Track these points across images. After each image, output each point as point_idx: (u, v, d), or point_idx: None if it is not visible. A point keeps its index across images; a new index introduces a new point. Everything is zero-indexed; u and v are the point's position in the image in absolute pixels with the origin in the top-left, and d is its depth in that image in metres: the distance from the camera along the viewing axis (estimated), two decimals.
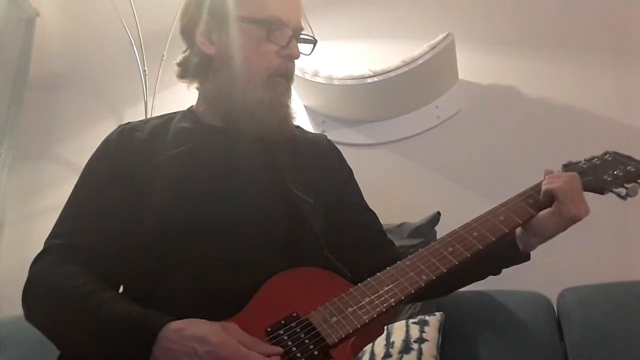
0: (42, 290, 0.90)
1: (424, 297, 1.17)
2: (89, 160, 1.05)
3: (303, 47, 1.08)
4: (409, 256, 0.93)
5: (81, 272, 0.90)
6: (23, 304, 0.91)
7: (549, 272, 1.79)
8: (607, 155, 1.10)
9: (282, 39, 1.03)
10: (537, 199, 1.00)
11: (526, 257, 1.03)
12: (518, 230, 1.00)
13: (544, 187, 0.99)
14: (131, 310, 0.83)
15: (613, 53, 2.02)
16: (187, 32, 1.08)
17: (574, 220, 0.96)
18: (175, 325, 0.79)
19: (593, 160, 1.09)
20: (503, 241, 0.97)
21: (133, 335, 0.79)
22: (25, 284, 0.92)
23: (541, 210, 0.98)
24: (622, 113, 1.95)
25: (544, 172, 1.04)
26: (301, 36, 1.08)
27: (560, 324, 1.56)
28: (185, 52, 1.11)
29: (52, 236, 0.97)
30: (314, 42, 1.11)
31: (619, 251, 1.83)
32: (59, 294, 0.87)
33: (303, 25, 1.08)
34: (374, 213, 1.17)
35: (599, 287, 1.59)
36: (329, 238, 1.05)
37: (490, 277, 1.08)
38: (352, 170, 1.19)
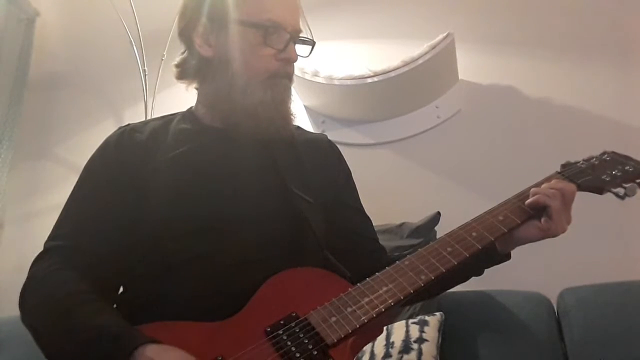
0: (35, 296, 0.90)
1: (414, 299, 1.16)
2: (88, 162, 1.05)
3: (301, 49, 1.08)
4: (407, 256, 0.92)
5: (76, 280, 0.89)
6: (20, 306, 0.91)
7: (549, 272, 1.80)
8: (606, 155, 1.09)
9: (280, 43, 1.03)
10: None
11: (506, 257, 1.04)
12: None
13: (538, 198, 0.97)
14: (112, 326, 0.82)
15: (613, 53, 2.02)
16: (185, 34, 1.08)
17: (554, 236, 0.97)
18: (151, 347, 0.78)
19: (591, 160, 1.08)
20: None
21: (108, 353, 0.78)
22: (23, 286, 0.92)
23: (538, 211, 0.98)
24: (622, 113, 1.95)
25: (542, 180, 1.03)
26: (299, 38, 1.08)
27: (560, 324, 1.56)
28: (183, 53, 1.11)
29: (51, 238, 0.97)
30: (312, 43, 1.11)
31: (619, 251, 1.83)
32: (49, 303, 0.87)
33: (301, 27, 1.07)
34: (368, 218, 1.17)
35: (599, 287, 1.59)
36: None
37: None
38: (350, 172, 1.19)
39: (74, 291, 0.87)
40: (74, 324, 0.83)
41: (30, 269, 0.94)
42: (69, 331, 0.83)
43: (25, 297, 0.91)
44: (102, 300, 0.88)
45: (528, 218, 0.98)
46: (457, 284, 1.08)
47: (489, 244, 0.94)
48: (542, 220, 0.97)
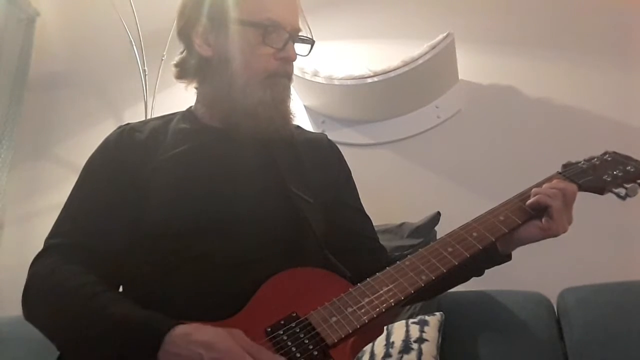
0: (43, 290, 0.90)
1: (415, 300, 1.16)
2: (88, 161, 1.05)
3: (300, 48, 1.08)
4: (408, 256, 0.92)
5: (83, 272, 0.90)
6: (23, 304, 0.91)
7: (549, 272, 1.80)
8: (607, 156, 1.09)
9: (278, 42, 1.03)
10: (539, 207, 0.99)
11: (507, 258, 1.03)
12: None
13: (539, 198, 0.97)
14: (137, 312, 0.82)
15: (613, 53, 2.02)
16: (184, 33, 1.08)
17: (555, 236, 0.97)
18: (181, 329, 0.78)
19: (593, 161, 1.08)
20: None
21: (139, 338, 0.79)
22: (26, 284, 0.92)
23: (539, 211, 0.98)
24: (622, 113, 1.95)
25: (543, 181, 1.02)
26: (299, 37, 1.08)
27: (560, 324, 1.56)
28: (182, 52, 1.11)
29: (51, 236, 0.97)
30: (311, 42, 1.11)
31: (619, 251, 1.83)
32: (62, 295, 0.87)
33: (301, 26, 1.07)
34: (368, 218, 1.17)
35: (599, 287, 1.59)
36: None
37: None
38: (350, 172, 1.19)
39: (85, 282, 0.87)
40: (95, 314, 0.83)
41: (30, 267, 0.94)
42: (89, 322, 0.83)
43: (30, 295, 0.91)
44: (114, 290, 0.88)
45: (529, 218, 0.98)
46: (457, 284, 1.08)
47: (490, 244, 0.94)
48: (543, 220, 0.96)
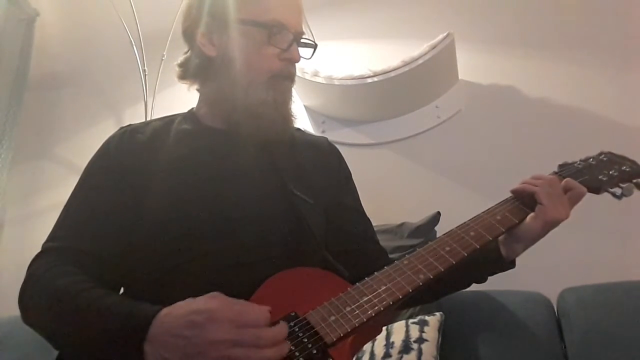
0: (36, 291, 0.90)
1: (412, 302, 1.15)
2: (89, 162, 1.05)
3: (303, 51, 1.09)
4: (406, 256, 0.93)
5: (74, 272, 0.89)
6: (20, 305, 0.91)
7: (549, 272, 1.79)
8: (603, 156, 1.10)
9: (283, 43, 1.03)
10: (532, 199, 1.00)
11: (511, 265, 1.03)
12: (501, 237, 1.00)
13: (524, 186, 1.00)
14: (122, 304, 0.82)
15: (613, 53, 2.02)
16: (189, 34, 1.08)
17: (554, 223, 0.97)
18: (165, 310, 0.77)
19: (589, 161, 1.09)
20: (486, 248, 0.96)
21: (125, 326, 0.78)
22: (22, 285, 0.92)
23: (532, 207, 0.99)
24: (622, 113, 1.95)
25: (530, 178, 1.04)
26: (302, 40, 1.08)
27: (560, 324, 1.56)
28: (186, 53, 1.11)
29: (50, 239, 0.97)
30: (314, 46, 1.11)
31: (619, 251, 1.83)
32: (52, 294, 0.87)
33: (304, 29, 1.08)
34: (368, 220, 1.17)
35: (599, 287, 1.58)
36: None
37: (491, 277, 1.07)
38: (350, 173, 1.19)
39: (75, 280, 0.87)
40: (83, 309, 0.82)
41: (28, 268, 0.93)
42: (79, 317, 0.82)
43: (26, 295, 0.91)
44: (102, 287, 0.88)
45: (526, 217, 0.98)
46: (457, 290, 1.08)
47: (487, 243, 0.94)
48: (536, 209, 0.97)
